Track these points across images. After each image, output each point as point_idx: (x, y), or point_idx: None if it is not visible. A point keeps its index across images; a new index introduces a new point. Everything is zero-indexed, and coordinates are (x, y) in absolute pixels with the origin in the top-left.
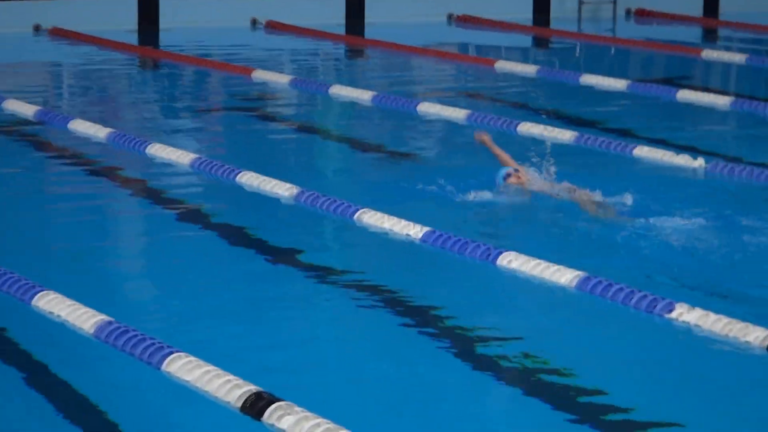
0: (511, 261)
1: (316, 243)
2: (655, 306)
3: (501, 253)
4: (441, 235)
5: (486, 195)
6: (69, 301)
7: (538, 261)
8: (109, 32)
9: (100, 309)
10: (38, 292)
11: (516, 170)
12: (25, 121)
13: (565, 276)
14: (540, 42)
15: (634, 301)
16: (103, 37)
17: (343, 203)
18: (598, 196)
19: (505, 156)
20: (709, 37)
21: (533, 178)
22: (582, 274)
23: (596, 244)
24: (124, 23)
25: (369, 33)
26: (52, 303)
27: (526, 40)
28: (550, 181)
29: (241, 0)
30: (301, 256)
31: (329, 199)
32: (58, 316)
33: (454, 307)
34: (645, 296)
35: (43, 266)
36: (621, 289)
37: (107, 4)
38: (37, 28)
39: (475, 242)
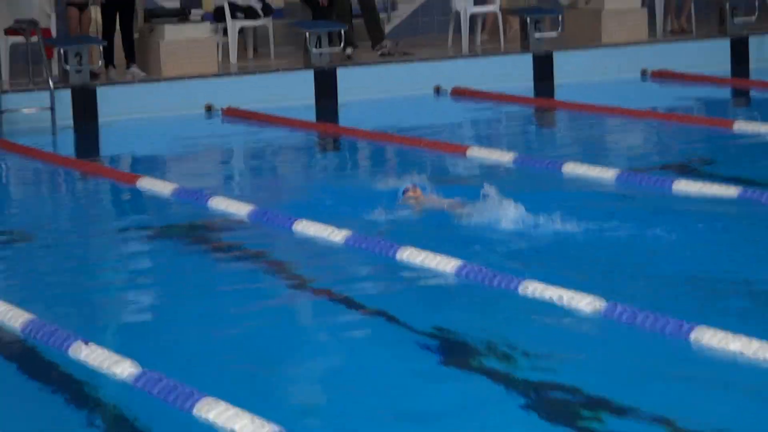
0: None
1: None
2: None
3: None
4: None
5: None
6: None
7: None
8: (284, 109)
9: None
10: None
11: (414, 186)
12: (235, 222)
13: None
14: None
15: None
16: (278, 115)
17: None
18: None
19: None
20: None
21: (429, 197)
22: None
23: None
24: (301, 98)
25: (560, 94)
26: None
27: (731, 95)
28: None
29: (421, 67)
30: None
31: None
32: None
33: None
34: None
35: None
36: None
37: (282, 80)
38: (209, 108)
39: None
